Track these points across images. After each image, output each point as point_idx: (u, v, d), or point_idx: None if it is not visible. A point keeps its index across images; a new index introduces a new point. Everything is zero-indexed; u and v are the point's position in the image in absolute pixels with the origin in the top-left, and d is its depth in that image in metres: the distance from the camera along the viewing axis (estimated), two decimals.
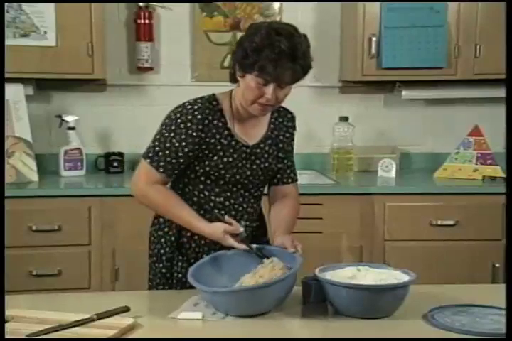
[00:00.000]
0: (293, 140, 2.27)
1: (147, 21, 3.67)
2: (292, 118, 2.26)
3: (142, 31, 3.68)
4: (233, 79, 2.11)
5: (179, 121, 2.07)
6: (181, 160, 2.07)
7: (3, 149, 3.26)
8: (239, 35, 3.80)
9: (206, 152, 2.09)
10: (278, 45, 1.92)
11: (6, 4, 3.30)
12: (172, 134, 2.07)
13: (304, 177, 3.55)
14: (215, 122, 2.09)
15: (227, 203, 2.14)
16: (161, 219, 2.20)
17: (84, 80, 3.60)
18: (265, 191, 2.28)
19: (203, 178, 2.12)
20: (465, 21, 3.57)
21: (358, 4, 3.55)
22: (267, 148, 2.17)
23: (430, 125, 3.98)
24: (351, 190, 3.41)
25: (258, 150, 2.15)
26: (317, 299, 1.89)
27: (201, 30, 3.79)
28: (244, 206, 2.17)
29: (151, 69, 3.75)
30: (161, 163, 2.07)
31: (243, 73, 2.01)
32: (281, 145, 2.21)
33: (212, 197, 2.13)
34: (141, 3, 3.68)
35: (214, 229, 2.01)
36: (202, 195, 2.13)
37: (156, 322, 1.81)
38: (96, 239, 3.24)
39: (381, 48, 3.54)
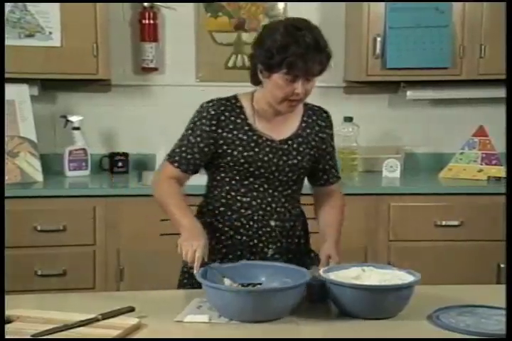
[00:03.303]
0: (332, 140, 2.26)
1: (152, 21, 3.68)
2: (327, 118, 2.25)
3: (147, 31, 3.68)
4: (255, 81, 2.12)
5: (196, 119, 2.13)
6: (197, 156, 2.11)
7: (3, 149, 3.27)
8: (244, 35, 3.81)
9: (225, 147, 2.10)
10: (303, 40, 1.95)
11: (12, 4, 3.31)
12: (189, 132, 2.13)
13: None
14: (232, 118, 2.12)
15: (253, 203, 2.14)
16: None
17: (89, 80, 3.61)
18: (302, 192, 2.26)
19: (227, 179, 2.14)
20: (470, 21, 3.56)
21: (362, 4, 3.55)
22: (295, 146, 2.16)
23: (435, 125, 3.97)
24: (356, 191, 3.41)
25: (286, 147, 2.15)
26: (321, 298, 1.90)
27: (206, 30, 3.79)
28: (273, 206, 2.16)
29: (155, 69, 3.75)
30: (176, 158, 2.12)
31: (269, 73, 2.02)
32: (313, 144, 2.19)
33: (239, 198, 2.14)
34: (145, 4, 3.68)
35: (194, 228, 2.00)
36: (229, 196, 2.15)
37: (161, 322, 1.81)
38: (101, 239, 3.25)
39: (386, 48, 3.54)
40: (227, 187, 2.14)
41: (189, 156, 2.11)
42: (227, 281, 1.92)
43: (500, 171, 3.55)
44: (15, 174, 3.35)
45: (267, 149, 2.12)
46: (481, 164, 3.63)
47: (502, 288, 1.85)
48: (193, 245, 1.93)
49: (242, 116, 2.13)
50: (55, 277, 3.20)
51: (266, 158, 2.11)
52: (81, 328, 1.71)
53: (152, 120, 3.80)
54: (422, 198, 3.37)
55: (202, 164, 2.14)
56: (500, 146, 3.60)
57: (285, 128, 2.17)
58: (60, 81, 3.59)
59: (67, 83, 3.65)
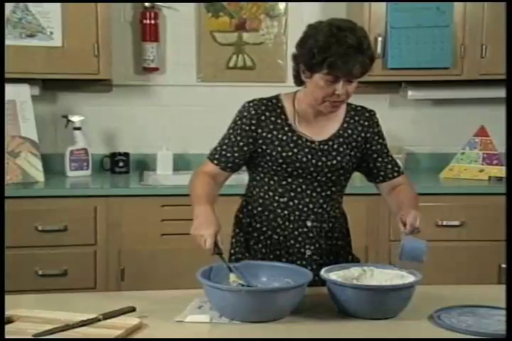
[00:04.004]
0: (380, 137, 2.23)
1: (153, 22, 3.68)
2: (370, 117, 2.23)
3: (148, 31, 3.68)
4: (298, 82, 2.13)
5: (237, 118, 2.16)
6: (236, 154, 2.14)
7: (3, 149, 3.27)
8: (244, 35, 3.81)
9: (264, 147, 2.12)
10: (345, 41, 1.95)
11: (13, 5, 3.31)
12: (231, 131, 2.16)
13: None
14: (273, 118, 2.13)
15: (290, 203, 2.15)
16: (237, 219, 2.25)
17: (90, 80, 3.61)
18: (339, 192, 2.26)
19: (266, 179, 2.16)
20: (471, 21, 3.56)
21: (363, 4, 3.55)
22: (335, 146, 2.15)
23: (436, 125, 3.97)
24: (357, 190, 3.40)
25: (326, 147, 2.14)
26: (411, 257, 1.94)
27: (207, 30, 3.79)
28: (311, 206, 2.16)
29: (156, 69, 3.75)
30: (216, 156, 2.16)
31: (311, 73, 2.02)
32: (354, 144, 2.18)
33: (276, 198, 2.15)
34: (146, 4, 3.69)
35: (204, 215, 1.98)
36: (267, 196, 2.16)
37: (162, 322, 1.81)
38: (102, 239, 3.25)
39: (387, 48, 3.54)
40: (266, 187, 2.16)
41: (229, 154, 2.14)
42: (232, 277, 1.92)
43: (502, 171, 3.55)
44: (16, 174, 3.35)
45: (306, 150, 2.12)
46: (482, 164, 3.63)
47: (503, 289, 1.85)
48: (203, 235, 1.92)
49: (283, 117, 2.14)
50: (56, 277, 3.20)
51: (305, 159, 2.12)
52: (82, 328, 1.71)
53: (153, 120, 3.81)
54: (423, 198, 3.30)
55: (241, 163, 2.16)
56: (501, 146, 3.59)
57: (326, 129, 2.16)
58: (61, 81, 3.59)
59: (69, 83, 3.65)
